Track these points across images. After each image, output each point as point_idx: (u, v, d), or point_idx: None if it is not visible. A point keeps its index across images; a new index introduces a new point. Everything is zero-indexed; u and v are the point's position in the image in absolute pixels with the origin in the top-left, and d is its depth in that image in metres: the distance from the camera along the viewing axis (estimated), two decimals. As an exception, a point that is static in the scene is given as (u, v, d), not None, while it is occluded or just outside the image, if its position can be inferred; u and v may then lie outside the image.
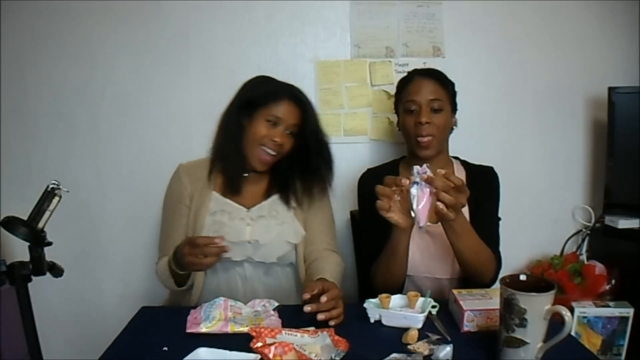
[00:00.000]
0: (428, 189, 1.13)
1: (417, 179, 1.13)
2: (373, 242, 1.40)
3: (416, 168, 1.14)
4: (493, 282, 1.38)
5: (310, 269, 1.46)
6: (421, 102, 1.45)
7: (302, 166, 1.51)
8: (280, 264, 1.47)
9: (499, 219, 1.50)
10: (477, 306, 1.10)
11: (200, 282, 1.45)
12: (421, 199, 1.13)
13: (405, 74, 1.58)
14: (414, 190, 1.13)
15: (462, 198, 1.16)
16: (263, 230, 1.43)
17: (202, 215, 1.44)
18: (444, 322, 1.14)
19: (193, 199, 1.47)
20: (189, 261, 1.21)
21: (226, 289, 1.44)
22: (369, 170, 1.61)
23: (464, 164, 1.56)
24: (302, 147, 1.48)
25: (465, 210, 1.35)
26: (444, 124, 1.47)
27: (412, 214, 1.16)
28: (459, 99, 1.55)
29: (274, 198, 1.50)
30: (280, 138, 1.42)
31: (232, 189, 1.48)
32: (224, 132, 1.48)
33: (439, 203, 1.14)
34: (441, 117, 1.45)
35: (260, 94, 1.45)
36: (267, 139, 1.42)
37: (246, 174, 1.50)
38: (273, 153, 1.44)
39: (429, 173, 1.13)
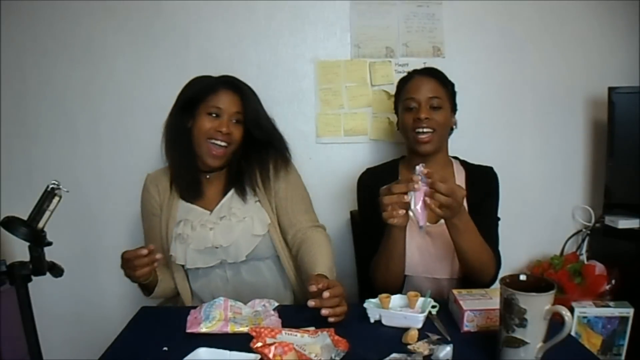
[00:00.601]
0: (423, 189, 1.14)
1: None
2: (373, 242, 1.40)
3: (418, 168, 1.14)
4: (493, 282, 1.38)
5: (300, 256, 1.42)
6: (420, 100, 1.45)
7: (251, 153, 1.49)
8: (256, 259, 1.47)
9: (499, 218, 1.50)
10: (477, 306, 1.10)
11: (184, 288, 1.47)
12: (418, 199, 1.14)
13: (405, 74, 1.58)
14: (411, 191, 1.14)
15: (457, 197, 1.16)
16: (225, 232, 1.42)
17: (171, 225, 1.46)
18: (444, 322, 1.14)
19: (162, 209, 1.49)
20: (127, 275, 1.27)
21: (209, 293, 1.45)
22: (368, 170, 1.61)
23: (464, 164, 1.56)
24: (250, 133, 1.48)
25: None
26: (444, 121, 1.47)
27: (411, 214, 1.16)
28: (458, 99, 1.56)
29: (231, 194, 1.49)
30: (226, 128, 1.41)
31: (192, 193, 1.48)
32: (171, 139, 1.48)
33: (431, 202, 1.14)
34: (441, 114, 1.45)
35: (196, 90, 1.45)
36: (213, 131, 1.41)
37: (208, 176, 1.50)
38: (223, 144, 1.43)
39: (424, 172, 1.14)
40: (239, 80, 1.49)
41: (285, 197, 1.48)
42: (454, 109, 1.54)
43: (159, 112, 2.02)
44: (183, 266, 1.46)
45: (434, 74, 1.50)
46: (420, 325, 1.10)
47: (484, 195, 1.46)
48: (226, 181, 1.51)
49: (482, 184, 1.48)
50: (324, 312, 1.09)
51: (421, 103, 1.45)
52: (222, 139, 1.42)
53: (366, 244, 1.53)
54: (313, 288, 1.10)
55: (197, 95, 1.44)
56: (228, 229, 1.43)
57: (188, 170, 1.47)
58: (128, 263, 1.23)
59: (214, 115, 1.43)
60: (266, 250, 1.47)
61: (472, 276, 1.36)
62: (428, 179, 1.14)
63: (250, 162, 1.49)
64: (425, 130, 1.43)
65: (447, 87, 1.51)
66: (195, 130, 1.44)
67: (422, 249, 1.43)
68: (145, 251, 1.21)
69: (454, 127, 1.55)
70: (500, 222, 1.50)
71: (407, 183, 1.15)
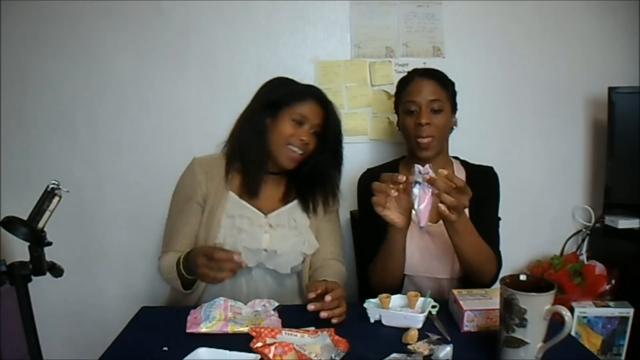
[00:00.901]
0: (430, 190, 1.13)
1: (419, 179, 1.13)
2: (373, 242, 1.40)
3: (417, 167, 1.13)
4: (493, 282, 1.38)
5: (313, 276, 1.45)
6: (421, 103, 1.44)
7: (318, 171, 1.50)
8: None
9: (499, 218, 1.50)
10: (477, 306, 1.10)
11: (202, 282, 1.44)
12: (423, 199, 1.13)
13: (405, 74, 1.57)
14: (415, 191, 1.13)
15: (464, 199, 1.16)
16: (281, 240, 1.42)
17: (218, 216, 1.41)
18: (444, 322, 1.14)
19: (208, 197, 1.44)
20: (202, 272, 1.20)
21: (230, 291, 1.42)
22: (368, 170, 1.61)
23: (464, 164, 1.56)
24: (321, 149, 1.48)
25: (465, 210, 1.34)
26: (444, 125, 1.47)
27: (413, 214, 1.16)
28: (459, 99, 1.55)
29: (293, 204, 1.49)
30: (306, 137, 1.42)
31: (251, 191, 1.45)
32: (246, 132, 1.46)
33: (440, 205, 1.14)
34: (441, 117, 1.45)
35: (284, 94, 1.45)
36: (295, 138, 1.42)
37: (264, 176, 1.48)
38: (300, 152, 1.43)
39: (431, 173, 1.12)
40: (325, 93, 1.49)
41: (323, 227, 1.52)
42: (454, 108, 1.54)
43: (158, 112, 2.03)
44: None
45: (434, 76, 1.49)
46: (420, 325, 1.10)
47: (485, 195, 1.46)
48: (286, 189, 1.51)
49: (483, 184, 1.48)
50: (323, 314, 1.09)
51: (422, 106, 1.44)
52: (300, 147, 1.42)
53: (366, 244, 1.53)
54: (312, 295, 1.11)
55: (283, 98, 1.44)
56: (284, 237, 1.43)
57: (259, 167, 1.45)
58: (217, 263, 1.17)
59: (297, 122, 1.43)
60: (299, 267, 1.48)
61: (473, 276, 1.36)
62: (444, 182, 1.13)
63: (316, 181, 1.50)
64: (425, 136, 1.43)
65: (448, 88, 1.50)
66: (274, 132, 1.43)
67: (422, 248, 1.43)
68: (237, 257, 1.16)
69: (454, 126, 1.55)
70: (500, 222, 1.50)
71: (393, 174, 1.16)
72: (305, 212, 1.49)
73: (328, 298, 1.09)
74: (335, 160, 1.52)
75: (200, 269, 1.20)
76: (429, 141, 1.43)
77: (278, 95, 1.45)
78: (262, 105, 1.46)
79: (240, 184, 1.46)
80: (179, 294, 1.42)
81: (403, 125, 1.50)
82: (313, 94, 1.46)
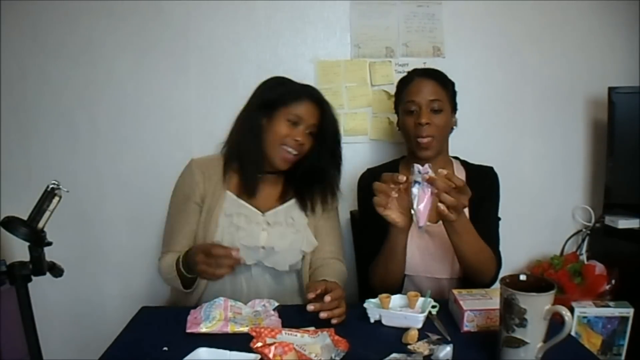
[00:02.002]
0: (429, 190, 1.13)
1: (419, 179, 1.13)
2: (373, 242, 1.40)
3: (416, 167, 1.14)
4: (493, 282, 1.38)
5: (313, 275, 1.45)
6: (421, 103, 1.44)
7: (316, 170, 1.49)
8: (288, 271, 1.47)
9: (499, 219, 1.50)
10: (477, 306, 1.10)
11: (203, 281, 1.44)
12: (422, 199, 1.13)
13: (405, 74, 1.57)
14: (415, 190, 1.13)
15: (464, 199, 1.17)
16: (278, 237, 1.42)
17: (216, 215, 1.42)
18: (444, 322, 1.14)
19: (206, 197, 1.45)
20: (200, 269, 1.20)
21: (230, 291, 1.42)
22: (368, 170, 1.61)
23: (464, 164, 1.56)
24: (318, 149, 1.48)
25: (465, 210, 1.35)
26: (444, 125, 1.47)
27: (412, 214, 1.16)
28: (459, 99, 1.55)
29: (291, 203, 1.48)
30: (301, 137, 1.42)
31: (248, 190, 1.45)
32: (242, 132, 1.46)
33: (440, 204, 1.14)
34: (441, 117, 1.45)
35: (280, 94, 1.45)
36: (289, 139, 1.41)
37: (260, 175, 1.49)
38: (295, 152, 1.43)
39: (431, 173, 1.13)
40: (321, 94, 1.49)
41: (324, 223, 1.52)
42: (454, 108, 1.54)
43: (158, 112, 2.03)
44: None
45: (434, 76, 1.50)
46: (420, 325, 1.10)
47: (485, 195, 1.46)
48: (284, 188, 1.51)
49: (483, 184, 1.48)
50: (323, 315, 1.09)
51: (422, 106, 1.44)
52: (295, 147, 1.42)
53: (366, 244, 1.53)
54: (311, 295, 1.11)
55: (279, 98, 1.44)
56: (282, 235, 1.42)
57: (255, 167, 1.46)
58: (216, 259, 1.17)
59: (292, 122, 1.42)
60: (299, 265, 1.47)
61: (472, 276, 1.36)
62: (444, 181, 1.13)
63: (314, 180, 1.49)
64: (425, 136, 1.43)
65: (448, 88, 1.50)
66: (269, 132, 1.43)
67: (422, 248, 1.43)
68: (235, 252, 1.17)
69: (454, 126, 1.55)
70: (500, 222, 1.50)
71: (393, 174, 1.16)
72: (303, 211, 1.48)
73: (327, 298, 1.09)
74: (334, 159, 1.51)
75: (199, 265, 1.20)
76: (429, 141, 1.44)
77: (274, 95, 1.45)
78: (258, 106, 1.46)
79: (237, 184, 1.47)
80: (180, 294, 1.42)
81: (403, 125, 1.50)
82: (309, 94, 1.46)
